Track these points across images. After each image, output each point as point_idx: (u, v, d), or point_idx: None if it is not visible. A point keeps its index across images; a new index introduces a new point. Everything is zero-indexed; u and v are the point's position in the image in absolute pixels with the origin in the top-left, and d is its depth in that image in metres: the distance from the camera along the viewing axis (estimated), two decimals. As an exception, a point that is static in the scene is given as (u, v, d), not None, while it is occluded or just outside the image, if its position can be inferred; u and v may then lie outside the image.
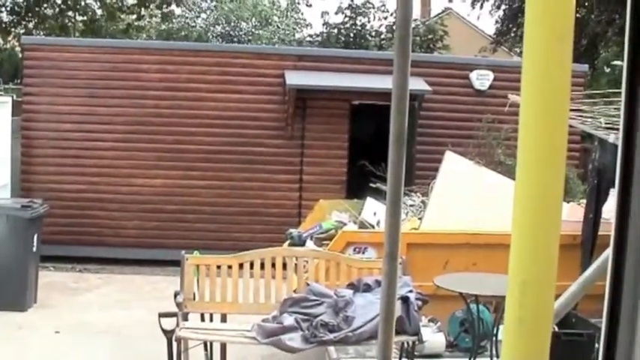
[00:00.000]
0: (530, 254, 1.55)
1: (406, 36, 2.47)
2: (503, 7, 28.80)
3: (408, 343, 7.39)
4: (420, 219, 9.88)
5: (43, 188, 14.14)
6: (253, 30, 33.74)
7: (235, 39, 32.71)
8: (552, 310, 1.61)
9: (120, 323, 10.63)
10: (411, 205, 10.42)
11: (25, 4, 26.14)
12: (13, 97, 14.83)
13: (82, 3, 26.05)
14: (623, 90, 1.66)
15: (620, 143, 1.68)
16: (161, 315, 7.83)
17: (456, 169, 10.06)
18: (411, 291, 7.34)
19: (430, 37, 28.08)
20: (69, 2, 25.96)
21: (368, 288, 7.63)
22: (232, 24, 34.09)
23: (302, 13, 36.53)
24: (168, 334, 7.76)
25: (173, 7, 30.39)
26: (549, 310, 1.59)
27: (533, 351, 1.57)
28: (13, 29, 26.39)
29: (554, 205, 1.55)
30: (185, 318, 7.69)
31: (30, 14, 26.24)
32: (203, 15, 35.77)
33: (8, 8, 26.34)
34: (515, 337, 1.59)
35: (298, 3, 35.53)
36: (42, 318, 10.85)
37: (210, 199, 14.62)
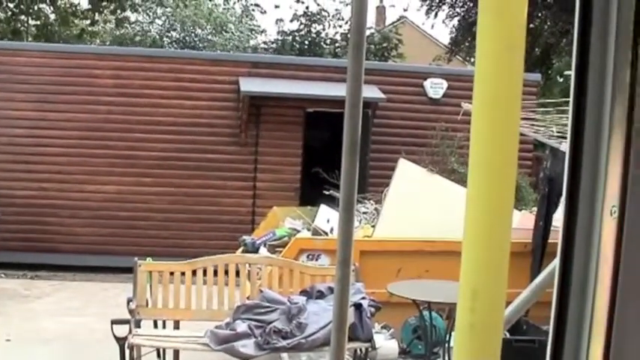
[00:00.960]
0: (481, 261, 1.57)
1: (360, 43, 2.47)
2: (457, 17, 28.98)
3: (361, 349, 7.41)
4: (373, 226, 9.91)
5: (-7, 194, 14.01)
6: (209, 36, 33.65)
7: (190, 45, 32.62)
8: (503, 316, 1.63)
9: (72, 330, 10.54)
10: (364, 213, 10.45)
11: (-24, 8, 25.95)
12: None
13: (35, 7, 25.80)
14: (570, 98, 1.69)
15: (567, 151, 1.71)
16: (114, 322, 7.78)
17: (409, 177, 10.10)
18: (363, 298, 7.36)
19: (385, 45, 28.22)
20: (22, 6, 25.72)
21: (321, 295, 7.64)
22: (188, 30, 33.99)
23: (257, 20, 36.53)
24: (120, 341, 7.70)
25: (128, 12, 30.24)
26: (500, 315, 1.60)
27: (485, 356, 1.59)
28: (-36, 34, 26.14)
29: (505, 212, 1.57)
30: (138, 325, 7.64)
31: (-19, 19, 26.04)
32: (158, 21, 35.62)
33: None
34: (467, 343, 1.60)
35: (253, 10, 35.52)
36: (-8, 325, 10.74)
37: (163, 205, 14.56)
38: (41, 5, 26.15)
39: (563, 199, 1.73)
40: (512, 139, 1.54)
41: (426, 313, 7.65)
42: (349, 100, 2.59)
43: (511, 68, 1.50)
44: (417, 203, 9.81)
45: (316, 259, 9.07)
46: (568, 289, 1.70)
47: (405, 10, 32.71)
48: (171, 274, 7.92)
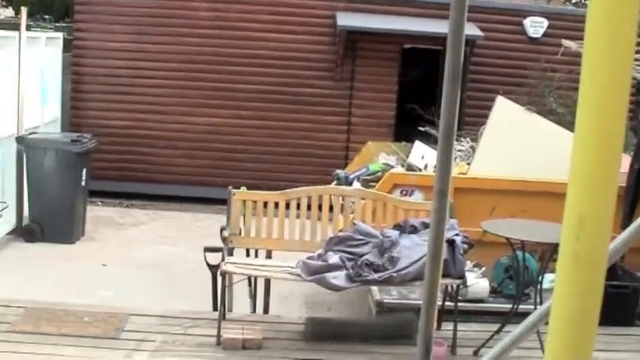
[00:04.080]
0: (588, 186, 1.52)
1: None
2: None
3: (452, 286, 7.39)
4: (468, 164, 9.83)
5: (91, 124, 14.24)
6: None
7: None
8: (608, 246, 1.58)
9: (165, 258, 10.74)
10: (459, 150, 10.36)
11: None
12: (64, 34, 14.89)
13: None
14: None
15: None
16: (206, 249, 7.89)
17: (506, 115, 9.96)
18: (457, 234, 7.32)
19: (484, -18, 27.71)
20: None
21: (414, 230, 7.61)
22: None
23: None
24: (213, 268, 7.83)
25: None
26: (605, 245, 1.56)
27: (588, 285, 1.55)
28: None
29: (615, 140, 1.52)
30: (230, 253, 7.73)
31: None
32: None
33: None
34: (570, 272, 1.56)
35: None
36: (89, 251, 11.00)
37: (259, 138, 14.63)
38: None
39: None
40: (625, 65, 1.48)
41: (519, 252, 7.57)
42: (452, 26, 2.53)
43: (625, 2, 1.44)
44: (514, 142, 9.68)
45: (410, 195, 9.02)
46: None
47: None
48: (265, 204, 7.96)
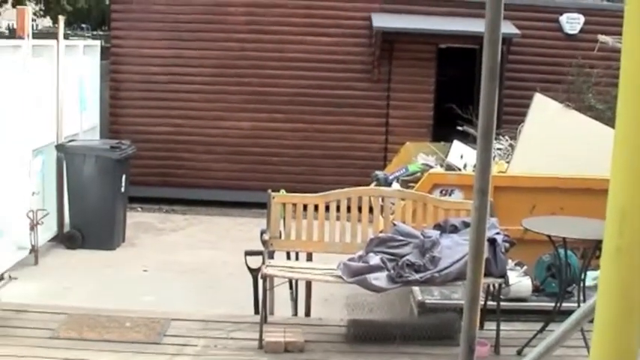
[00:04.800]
0: (630, 181, 1.51)
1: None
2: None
3: (494, 285, 7.35)
4: (507, 162, 9.78)
5: (130, 130, 14.32)
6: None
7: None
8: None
9: (206, 262, 10.78)
10: (498, 149, 10.32)
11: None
12: (101, 42, 15.01)
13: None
14: None
15: None
16: (247, 253, 7.92)
17: (545, 112, 9.90)
18: (498, 233, 7.29)
19: (519, -20, 27.57)
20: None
21: (455, 229, 7.58)
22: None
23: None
24: (254, 272, 7.85)
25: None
26: (649, 239, 1.54)
27: (633, 281, 1.53)
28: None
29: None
30: (271, 256, 7.74)
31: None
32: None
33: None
34: (613, 267, 1.55)
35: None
36: (130, 256, 11.07)
37: (296, 141, 14.65)
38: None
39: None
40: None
41: (560, 250, 7.52)
42: (488, 25, 2.52)
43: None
44: (553, 139, 9.62)
45: (449, 195, 9.00)
46: None
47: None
48: (305, 206, 7.96)
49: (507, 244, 7.31)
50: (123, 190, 11.50)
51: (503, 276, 7.20)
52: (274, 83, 14.58)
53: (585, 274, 7.49)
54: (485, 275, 6.76)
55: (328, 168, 14.53)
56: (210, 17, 14.63)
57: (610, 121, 10.23)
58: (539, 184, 9.21)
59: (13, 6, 24.23)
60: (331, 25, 14.55)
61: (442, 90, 14.52)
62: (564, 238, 7.32)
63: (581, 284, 7.47)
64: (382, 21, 14.18)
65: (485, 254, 6.83)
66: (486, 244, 6.83)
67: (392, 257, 7.18)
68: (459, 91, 13.74)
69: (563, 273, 7.66)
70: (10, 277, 9.52)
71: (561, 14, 14.81)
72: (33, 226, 10.22)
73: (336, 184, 9.94)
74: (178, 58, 14.67)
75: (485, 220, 2.56)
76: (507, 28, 13.28)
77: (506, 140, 10.66)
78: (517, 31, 13.80)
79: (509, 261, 7.71)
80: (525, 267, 8.20)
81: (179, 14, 14.64)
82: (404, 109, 14.59)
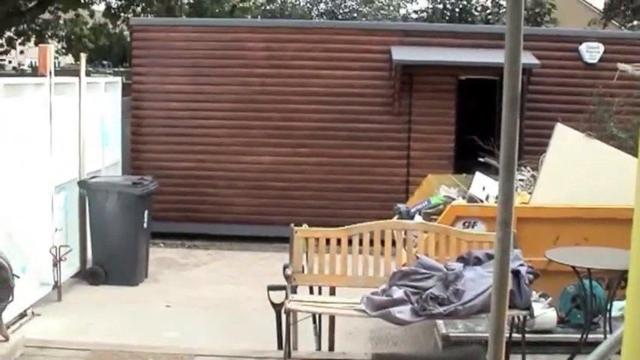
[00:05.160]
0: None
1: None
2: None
3: (518, 317, 7.29)
4: (529, 193, 9.74)
5: (152, 166, 14.38)
6: (356, 7, 33.69)
7: (339, 16, 32.71)
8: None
9: (229, 297, 10.76)
10: (520, 180, 10.28)
11: (133, -12, 26.66)
12: (122, 78, 15.13)
13: (188, -15, 26.27)
14: None
15: None
16: (270, 288, 7.89)
17: (566, 142, 9.87)
18: (521, 264, 7.24)
19: (537, 10, 27.59)
20: (175, -15, 26.25)
21: (478, 261, 7.54)
22: (336, 1, 34.12)
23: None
24: (277, 306, 7.82)
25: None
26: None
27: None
28: (122, 14, 26.81)
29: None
30: (294, 291, 7.72)
31: (137, -1, 26.73)
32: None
33: (117, -6, 26.91)
34: (640, 298, 1.53)
35: (402, -22, 35.31)
36: (153, 292, 11.06)
37: (318, 175, 14.65)
38: (194, -16, 26.60)
39: None
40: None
41: (585, 281, 7.47)
42: (508, 55, 2.51)
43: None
44: (576, 169, 9.58)
45: (472, 227, 8.97)
46: None
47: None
48: (327, 240, 7.95)
49: (531, 276, 7.26)
50: (145, 225, 11.53)
51: (528, 308, 7.14)
52: (295, 117, 14.61)
53: (611, 305, 7.43)
54: (510, 307, 6.71)
55: (351, 201, 14.50)
56: (229, 53, 14.72)
57: (632, 150, 10.19)
58: (563, 214, 9.16)
59: (36, 44, 24.49)
60: (351, 59, 14.58)
61: (463, 121, 14.49)
62: (589, 269, 7.27)
63: (607, 315, 7.40)
64: (402, 54, 14.20)
65: (509, 286, 6.79)
66: (510, 275, 6.77)
67: (415, 290, 7.15)
68: (479, 123, 13.71)
69: (589, 304, 7.60)
70: (33, 313, 9.54)
71: (581, 43, 14.79)
72: (56, 263, 10.26)
73: (358, 218, 9.91)
74: (199, 94, 14.74)
75: (509, 251, 2.54)
76: (527, 58, 13.28)
77: (528, 171, 10.62)
78: (537, 62, 13.79)
79: (534, 292, 7.66)
80: (550, 298, 8.14)
81: (199, 50, 14.73)
82: (425, 142, 14.58)
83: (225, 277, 12.09)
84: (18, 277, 7.71)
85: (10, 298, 7.60)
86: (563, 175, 9.54)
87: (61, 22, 27.05)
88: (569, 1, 32.55)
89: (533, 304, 7.37)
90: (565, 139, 9.91)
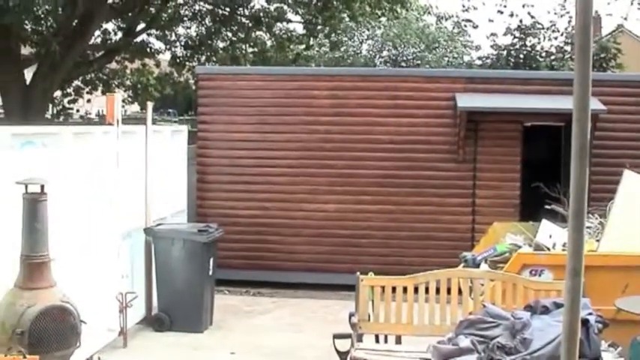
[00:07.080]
0: None
1: (586, 44, 2.39)
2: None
3: (588, 367, 7.17)
4: (597, 241, 9.62)
5: (217, 213, 14.47)
6: (419, 54, 33.77)
7: (402, 63, 32.79)
8: None
9: (293, 345, 10.73)
10: (588, 227, 10.16)
11: (198, 38, 26.91)
12: (188, 127, 15.29)
13: (253, 35, 26.47)
14: None
15: None
16: (336, 336, 7.87)
17: (635, 189, 9.75)
18: (590, 313, 7.14)
19: (602, 55, 27.35)
20: (240, 34, 26.46)
21: (546, 310, 7.45)
22: (398, 49, 34.23)
23: (469, 36, 36.38)
24: (342, 355, 7.78)
25: (341, 35, 30.63)
26: None
27: None
28: (187, 62, 27.17)
29: None
30: (359, 339, 7.70)
31: (203, 48, 26.98)
32: (369, 41, 36.10)
33: (182, 43, 27.19)
34: None
35: (465, 26, 35.34)
36: (217, 339, 11.08)
37: (382, 223, 14.62)
38: (258, 33, 26.79)
39: None
40: None
41: (656, 330, 7.34)
42: (576, 103, 2.49)
43: None
44: (644, 216, 9.46)
45: (539, 275, 8.88)
46: None
47: (623, 18, 31.13)
48: (393, 288, 7.92)
49: (600, 325, 7.16)
50: (210, 272, 11.59)
51: (597, 358, 7.03)
52: (359, 165, 14.62)
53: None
54: (579, 357, 6.61)
55: (416, 249, 14.43)
56: (294, 101, 14.81)
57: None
58: (632, 262, 9.03)
59: (103, 93, 24.89)
60: (415, 107, 14.58)
61: (530, 168, 14.38)
62: (660, 318, 7.14)
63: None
64: (466, 101, 14.17)
65: (578, 335, 6.66)
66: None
67: (482, 339, 7.08)
68: (545, 170, 13.60)
69: (660, 354, 7.46)
70: (99, 359, 9.60)
71: (645, 88, 14.66)
72: (122, 309, 10.36)
73: (423, 266, 9.88)
74: (264, 142, 14.83)
75: (579, 301, 2.51)
76: (593, 104, 13.14)
77: (596, 218, 10.50)
78: (603, 107, 13.67)
79: (603, 342, 7.53)
80: (620, 348, 7.99)
81: (264, 98, 14.85)
82: (490, 189, 14.48)
83: (289, 324, 12.07)
84: (85, 322, 7.76)
85: (77, 344, 7.65)
86: (632, 222, 9.42)
87: (128, 71, 27.45)
88: (635, 45, 32.27)
89: (603, 354, 7.25)
90: (633, 185, 9.80)
